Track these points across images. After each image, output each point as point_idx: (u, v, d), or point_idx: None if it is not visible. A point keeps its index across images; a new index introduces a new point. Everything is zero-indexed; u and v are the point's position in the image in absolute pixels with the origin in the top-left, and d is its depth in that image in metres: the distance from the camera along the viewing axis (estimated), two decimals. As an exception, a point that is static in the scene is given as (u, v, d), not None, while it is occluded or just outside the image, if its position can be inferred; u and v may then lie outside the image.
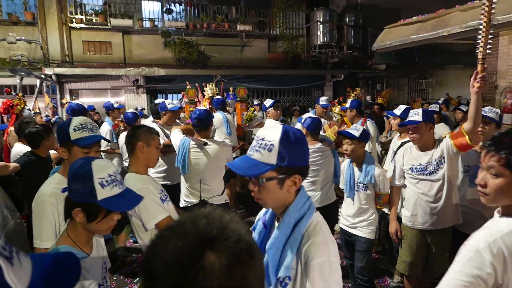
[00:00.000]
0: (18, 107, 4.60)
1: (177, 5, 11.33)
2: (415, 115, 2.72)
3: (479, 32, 2.09)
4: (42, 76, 8.78)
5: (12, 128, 4.20)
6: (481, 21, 2.08)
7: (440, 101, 7.50)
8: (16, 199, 3.03)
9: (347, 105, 4.46)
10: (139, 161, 2.16)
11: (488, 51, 2.12)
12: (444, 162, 2.67)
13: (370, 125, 4.32)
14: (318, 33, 11.47)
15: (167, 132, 4.05)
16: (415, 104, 7.81)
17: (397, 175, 2.95)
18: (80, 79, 9.94)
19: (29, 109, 5.17)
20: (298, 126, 5.01)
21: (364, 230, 2.95)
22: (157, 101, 5.12)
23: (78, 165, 1.37)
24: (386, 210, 3.41)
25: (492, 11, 2.05)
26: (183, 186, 3.31)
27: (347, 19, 11.62)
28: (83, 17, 9.89)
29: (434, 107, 5.33)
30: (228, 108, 5.89)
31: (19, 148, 3.55)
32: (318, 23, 11.37)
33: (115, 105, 5.54)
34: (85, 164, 1.37)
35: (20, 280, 0.58)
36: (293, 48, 12.00)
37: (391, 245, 3.68)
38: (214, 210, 0.67)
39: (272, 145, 1.15)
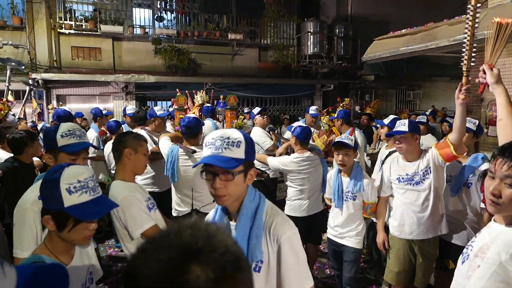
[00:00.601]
0: (2, 112, 4.51)
1: (168, 12, 11.34)
2: (402, 125, 2.77)
3: (463, 45, 2.15)
4: (30, 81, 8.64)
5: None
6: (465, 35, 2.13)
7: (427, 113, 7.63)
8: (-3, 206, 2.95)
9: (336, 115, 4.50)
10: (126, 168, 2.11)
11: (472, 64, 2.17)
12: (430, 172, 2.71)
13: (358, 135, 4.36)
14: (309, 43, 11.60)
15: (156, 139, 4.01)
16: (403, 115, 7.93)
17: (384, 186, 2.98)
18: (68, 85, 9.81)
19: (13, 115, 5.07)
20: (288, 134, 5.02)
21: (352, 240, 2.95)
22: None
23: (51, 171, 1.32)
24: (375, 219, 3.42)
25: (476, 25, 2.11)
26: (174, 195, 3.25)
27: (337, 30, 11.78)
28: (72, 22, 9.81)
29: (422, 118, 5.41)
30: (218, 116, 5.87)
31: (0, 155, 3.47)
32: (309, 33, 11.50)
33: (104, 112, 5.48)
34: (57, 170, 1.31)
35: None
36: (284, 57, 12.09)
37: (379, 254, 3.68)
38: (200, 220, 0.64)
39: (239, 142, 1.29)
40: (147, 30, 10.72)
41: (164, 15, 11.13)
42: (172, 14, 11.43)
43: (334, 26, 11.93)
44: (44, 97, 9.60)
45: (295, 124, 4.95)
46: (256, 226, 1.29)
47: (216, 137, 1.31)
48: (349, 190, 2.90)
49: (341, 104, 5.95)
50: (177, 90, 5.80)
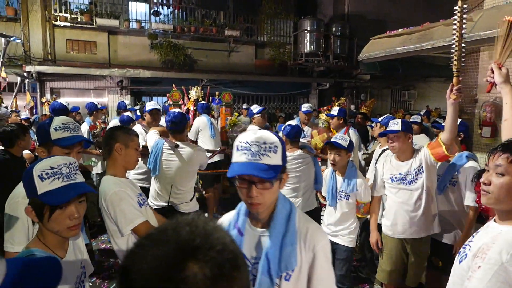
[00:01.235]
0: (-5, 104, 4.46)
1: (165, 7, 11.27)
2: (395, 125, 2.79)
3: (453, 46, 2.16)
4: (25, 74, 8.53)
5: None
6: (454, 37, 2.15)
7: (421, 113, 7.68)
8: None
9: (335, 112, 4.49)
10: (117, 163, 2.07)
11: (462, 64, 2.19)
12: (423, 171, 2.73)
13: (353, 134, 4.37)
14: (305, 41, 11.60)
15: (150, 133, 4.00)
16: (397, 114, 7.98)
17: (377, 185, 3.00)
18: (62, 78, 9.72)
19: (5, 107, 5.01)
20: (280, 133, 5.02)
21: (344, 238, 2.96)
22: (148, 104, 5.07)
23: (33, 163, 1.31)
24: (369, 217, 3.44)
25: (464, 26, 2.14)
26: (153, 187, 3.25)
27: (334, 29, 11.79)
28: (67, 15, 9.71)
29: (416, 118, 5.44)
30: (213, 112, 5.86)
31: None
32: (306, 31, 11.49)
33: (99, 106, 5.45)
34: (38, 160, 1.31)
35: None
36: (280, 55, 12.08)
37: (372, 253, 3.71)
38: (198, 217, 0.63)
39: (276, 147, 1.20)
40: (143, 24, 10.64)
41: (161, 10, 11.06)
42: (169, 9, 11.35)
43: (331, 25, 11.94)
44: (38, 90, 9.51)
45: (290, 122, 4.96)
46: (290, 233, 1.25)
47: (252, 142, 1.20)
48: (343, 190, 2.91)
49: (336, 103, 5.97)
50: (173, 85, 5.78)
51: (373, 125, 4.82)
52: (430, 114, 7.98)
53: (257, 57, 12.17)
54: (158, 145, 3.14)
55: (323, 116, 5.39)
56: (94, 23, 9.81)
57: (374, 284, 3.65)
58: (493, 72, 1.77)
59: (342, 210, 2.94)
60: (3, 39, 7.16)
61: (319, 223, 3.35)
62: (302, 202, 3.42)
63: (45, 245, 1.32)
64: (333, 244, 3.03)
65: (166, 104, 6.17)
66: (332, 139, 2.98)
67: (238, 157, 1.21)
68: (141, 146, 2.52)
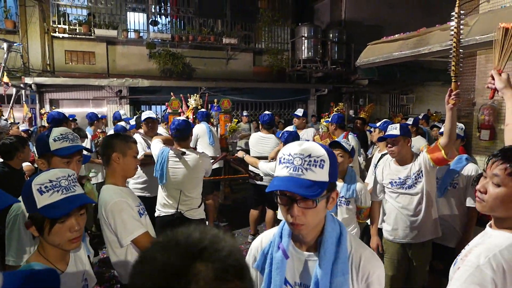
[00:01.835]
0: (-5, 116, 4.47)
1: (163, 17, 11.34)
2: (393, 129, 2.80)
3: (450, 52, 2.18)
4: (21, 85, 8.55)
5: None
6: (451, 42, 2.17)
7: (420, 116, 7.69)
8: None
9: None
10: (116, 172, 2.05)
11: (460, 69, 2.21)
12: (422, 176, 2.73)
13: (352, 139, 4.37)
14: (303, 48, 11.66)
15: (150, 142, 4.01)
16: (396, 119, 7.99)
17: (377, 190, 3.00)
18: (61, 89, 9.75)
19: (5, 119, 5.03)
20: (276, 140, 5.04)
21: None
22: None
23: (32, 176, 1.32)
24: (369, 222, 3.43)
25: (461, 32, 2.16)
26: (160, 195, 3.26)
27: (331, 35, 11.87)
28: (66, 26, 9.76)
29: (409, 121, 5.47)
30: (212, 119, 5.88)
31: None
32: (303, 38, 11.57)
33: (99, 116, 5.48)
34: (35, 175, 1.31)
35: None
36: (278, 62, 12.14)
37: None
38: (210, 227, 0.66)
39: (323, 161, 1.08)
40: (141, 34, 10.70)
41: (159, 19, 11.13)
42: (167, 18, 11.42)
43: (328, 31, 12.02)
44: (37, 101, 9.52)
45: (287, 128, 4.98)
46: (341, 261, 1.13)
47: (295, 154, 1.09)
48: (343, 196, 2.90)
49: (335, 109, 5.99)
50: (171, 94, 5.81)
51: (372, 130, 4.83)
52: (429, 118, 8.00)
53: (255, 64, 12.22)
54: (164, 153, 3.16)
55: (323, 121, 5.43)
56: (92, 34, 9.86)
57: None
58: (493, 79, 1.79)
59: (342, 215, 2.93)
60: (5, 44, 7.20)
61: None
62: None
63: (45, 258, 1.32)
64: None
65: (166, 113, 6.19)
66: (336, 140, 3.00)
67: (279, 170, 1.11)
68: (140, 156, 2.52)
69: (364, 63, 6.21)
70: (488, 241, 1.22)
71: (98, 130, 5.46)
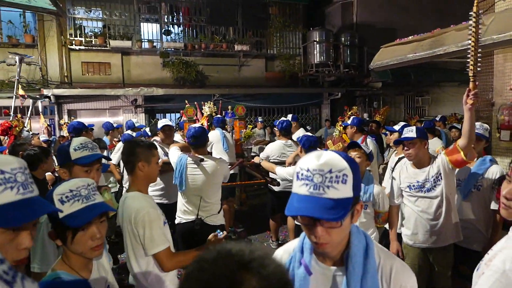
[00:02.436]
0: (17, 128, 4.61)
1: (176, 26, 11.53)
2: (410, 132, 2.77)
3: (468, 51, 2.15)
4: (37, 96, 8.79)
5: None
6: (470, 41, 2.15)
7: (437, 118, 7.58)
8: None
9: (349, 121, 4.47)
10: (140, 179, 2.08)
11: (478, 69, 2.17)
12: (441, 178, 2.68)
13: (370, 143, 4.32)
14: (315, 52, 11.63)
15: (166, 150, 4.06)
16: (412, 121, 7.88)
17: (395, 194, 2.95)
18: (79, 99, 9.99)
19: (27, 131, 5.17)
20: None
21: (365, 249, 2.91)
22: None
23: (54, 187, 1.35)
24: (387, 227, 3.38)
25: (480, 31, 2.12)
26: (180, 202, 3.28)
27: (343, 38, 11.81)
28: (82, 39, 10.03)
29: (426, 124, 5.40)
30: (226, 126, 5.92)
31: None
32: (315, 42, 11.55)
33: (115, 125, 5.58)
34: (57, 184, 1.35)
35: None
36: (290, 67, 12.15)
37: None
38: (259, 244, 0.71)
39: (345, 176, 0.99)
40: (155, 44, 10.89)
41: (172, 29, 11.34)
42: (179, 28, 11.61)
43: (340, 35, 11.97)
44: (56, 112, 9.77)
45: (303, 132, 4.95)
46: (371, 275, 1.06)
47: (314, 170, 0.99)
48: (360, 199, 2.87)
49: (349, 112, 5.95)
50: (186, 101, 5.88)
51: (387, 133, 4.78)
52: (446, 120, 7.87)
53: (268, 70, 12.26)
54: (182, 160, 3.19)
55: (337, 125, 5.40)
56: (108, 45, 10.10)
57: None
58: None
59: (360, 220, 2.89)
60: (17, 58, 7.45)
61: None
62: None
63: (69, 267, 1.35)
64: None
65: (181, 121, 6.26)
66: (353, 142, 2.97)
67: (297, 187, 1.02)
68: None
69: (378, 65, 6.17)
70: None
71: (115, 139, 5.56)
